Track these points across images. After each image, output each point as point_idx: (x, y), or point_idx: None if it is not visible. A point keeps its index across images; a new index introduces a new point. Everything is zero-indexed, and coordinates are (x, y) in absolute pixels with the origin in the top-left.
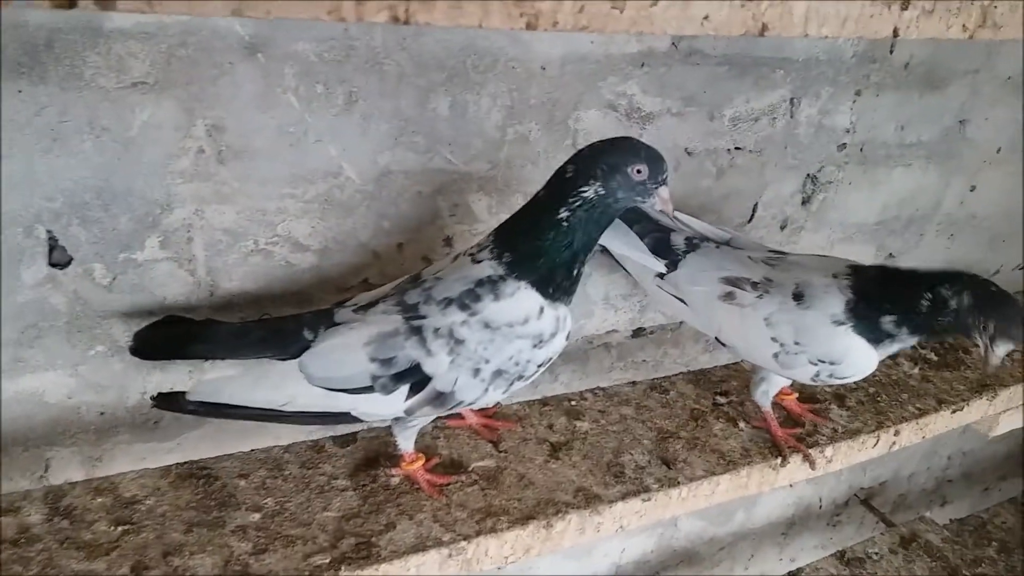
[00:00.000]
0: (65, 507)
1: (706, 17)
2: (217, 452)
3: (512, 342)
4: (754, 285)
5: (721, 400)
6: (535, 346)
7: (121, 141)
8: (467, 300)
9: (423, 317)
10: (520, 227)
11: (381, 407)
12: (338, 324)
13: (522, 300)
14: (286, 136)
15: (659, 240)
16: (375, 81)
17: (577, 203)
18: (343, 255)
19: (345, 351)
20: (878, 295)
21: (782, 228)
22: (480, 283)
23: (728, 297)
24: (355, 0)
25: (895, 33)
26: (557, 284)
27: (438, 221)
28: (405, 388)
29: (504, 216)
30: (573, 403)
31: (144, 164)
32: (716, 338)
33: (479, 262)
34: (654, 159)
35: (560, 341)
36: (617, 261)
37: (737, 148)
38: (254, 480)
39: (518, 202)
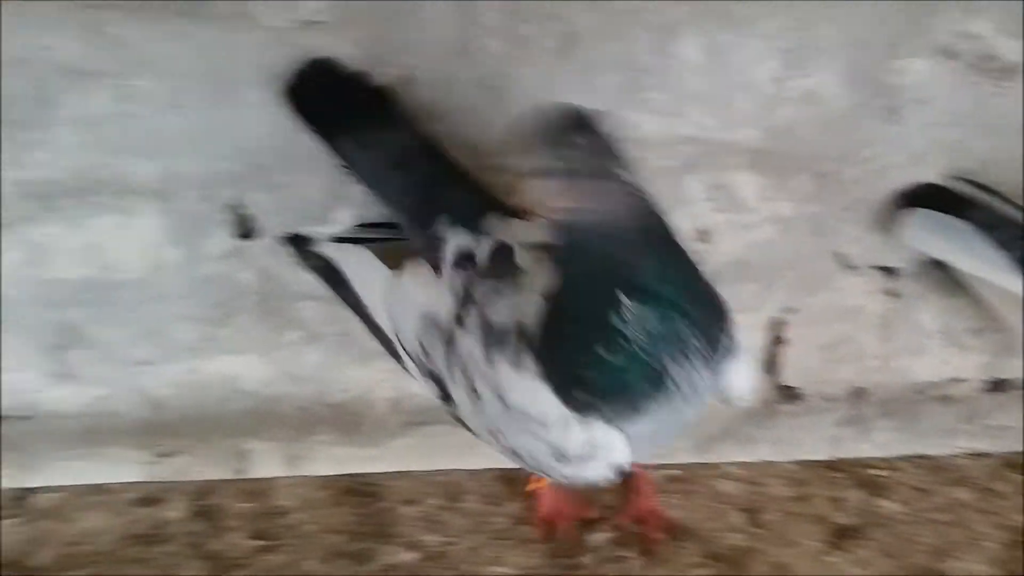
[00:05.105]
0: (208, 507)
1: None
2: (427, 466)
3: (524, 435)
4: None
5: None
6: (556, 460)
7: None
8: (496, 340)
9: (462, 325)
10: None
11: (419, 384)
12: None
13: (537, 391)
14: (488, 91)
15: None
16: (598, 18)
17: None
18: None
19: (408, 301)
20: None
21: None
22: (512, 329)
23: None
24: None
25: None
26: (583, 384)
27: (689, 207)
28: (434, 388)
29: (782, 204)
30: (879, 473)
31: None
32: None
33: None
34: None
35: (598, 470)
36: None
37: None
38: (423, 508)
39: (803, 184)
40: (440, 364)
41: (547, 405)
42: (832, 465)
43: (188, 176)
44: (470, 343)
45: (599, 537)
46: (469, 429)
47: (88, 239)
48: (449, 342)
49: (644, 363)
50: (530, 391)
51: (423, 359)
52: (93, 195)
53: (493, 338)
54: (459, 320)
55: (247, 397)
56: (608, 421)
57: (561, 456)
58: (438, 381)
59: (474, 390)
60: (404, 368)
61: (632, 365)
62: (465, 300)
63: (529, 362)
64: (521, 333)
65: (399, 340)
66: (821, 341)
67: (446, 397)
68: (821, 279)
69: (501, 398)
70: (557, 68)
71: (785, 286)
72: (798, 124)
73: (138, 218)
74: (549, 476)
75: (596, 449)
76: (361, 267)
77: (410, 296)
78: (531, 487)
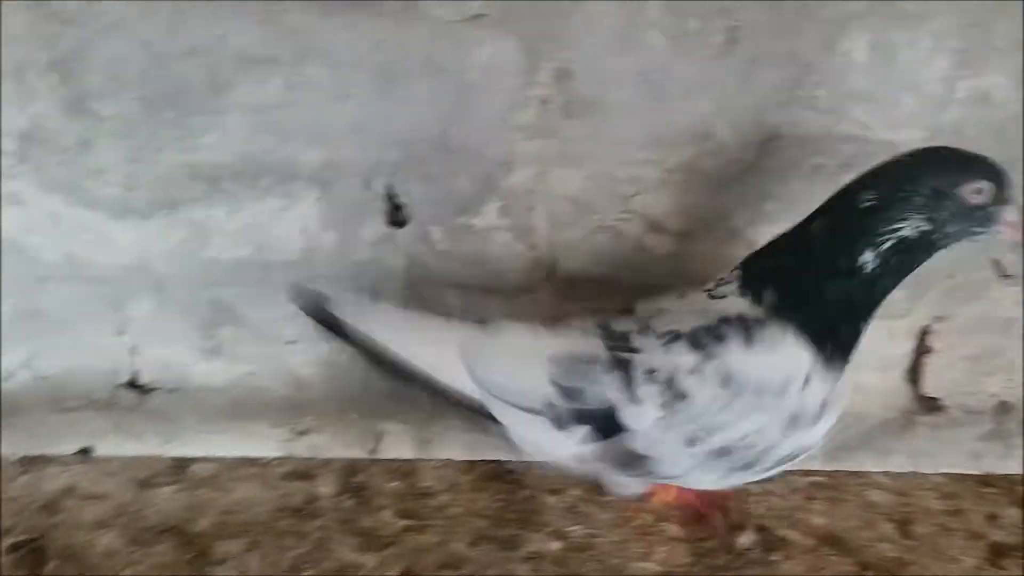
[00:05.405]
0: (357, 484)
1: None
2: None
3: (755, 414)
4: None
5: None
6: (786, 428)
7: (458, 85)
8: (704, 338)
9: (634, 350)
10: (786, 264)
11: (544, 441)
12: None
13: (786, 354)
14: (646, 86)
15: None
16: (765, 13)
17: (889, 243)
18: (709, 243)
19: (521, 356)
20: None
21: None
22: (725, 320)
23: None
24: None
25: None
26: (838, 340)
27: None
28: (584, 431)
29: None
30: None
31: (483, 114)
32: None
33: (720, 297)
34: (995, 172)
35: (821, 430)
36: None
37: None
38: (566, 499)
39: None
40: (601, 396)
41: (795, 364)
42: (984, 480)
43: (349, 164)
44: (659, 355)
45: (745, 539)
46: (627, 458)
47: (248, 221)
48: (622, 367)
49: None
50: (771, 358)
51: (565, 402)
52: (257, 179)
53: (698, 337)
54: (621, 348)
55: (385, 379)
56: (837, 371)
57: (795, 421)
58: (595, 418)
59: (678, 395)
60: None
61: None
62: (610, 335)
63: (771, 332)
64: (744, 321)
65: (496, 397)
66: (968, 352)
67: (608, 431)
68: (975, 288)
69: (728, 381)
70: (720, 63)
71: (937, 294)
72: (966, 126)
73: (298, 203)
74: (758, 466)
75: (827, 404)
76: (403, 330)
77: (522, 350)
78: (663, 498)
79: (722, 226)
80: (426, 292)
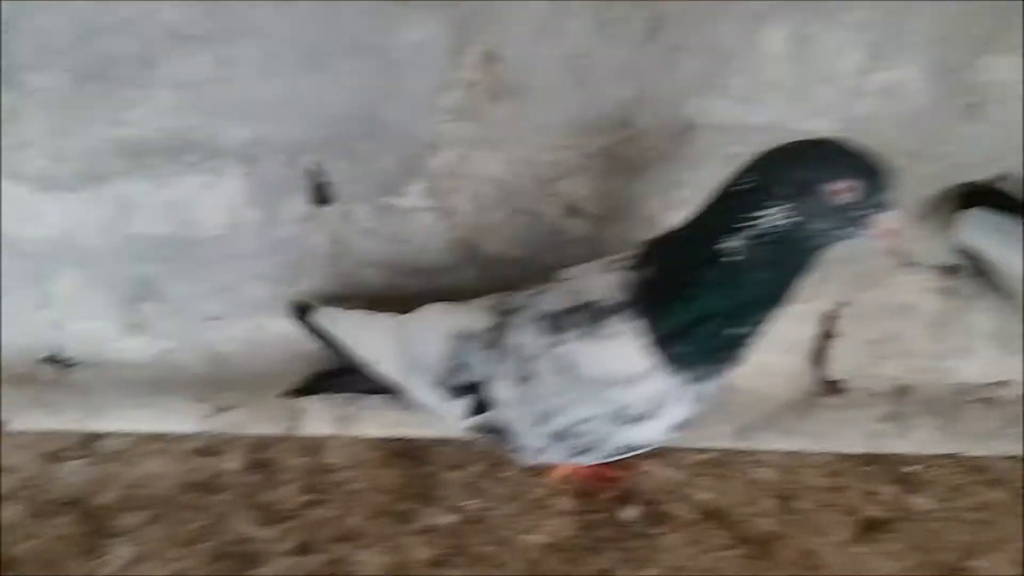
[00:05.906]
0: (264, 460)
1: None
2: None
3: (587, 403)
4: None
5: None
6: (616, 422)
7: (386, 64)
8: (561, 322)
9: (506, 327)
10: (669, 248)
11: (443, 412)
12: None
13: (620, 349)
14: (572, 72)
15: None
16: (684, 2)
17: (754, 230)
18: (623, 228)
19: (429, 332)
20: None
21: None
22: (584, 307)
23: None
24: None
25: None
26: (691, 346)
27: None
28: (466, 403)
29: None
30: (912, 469)
31: (410, 95)
32: None
33: (612, 272)
34: (866, 170)
35: (656, 429)
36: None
37: None
38: (467, 475)
39: None
40: (478, 370)
41: (627, 361)
42: (868, 459)
43: (274, 141)
44: (519, 336)
45: (630, 513)
46: (498, 433)
47: (173, 197)
48: (491, 345)
49: (745, 348)
50: (606, 353)
51: (452, 377)
52: (183, 155)
53: (557, 321)
54: (499, 326)
55: (305, 357)
56: (695, 379)
57: (622, 416)
58: (472, 390)
59: (524, 377)
60: (410, 404)
61: (745, 345)
62: (503, 311)
63: (614, 325)
64: (596, 311)
65: (414, 375)
66: (870, 336)
67: (480, 407)
68: (877, 275)
69: (566, 370)
70: (641, 50)
71: (840, 280)
72: (877, 117)
73: (223, 179)
74: (596, 452)
75: (662, 405)
76: (356, 327)
77: (431, 327)
78: (561, 471)
79: (637, 212)
80: (348, 271)
